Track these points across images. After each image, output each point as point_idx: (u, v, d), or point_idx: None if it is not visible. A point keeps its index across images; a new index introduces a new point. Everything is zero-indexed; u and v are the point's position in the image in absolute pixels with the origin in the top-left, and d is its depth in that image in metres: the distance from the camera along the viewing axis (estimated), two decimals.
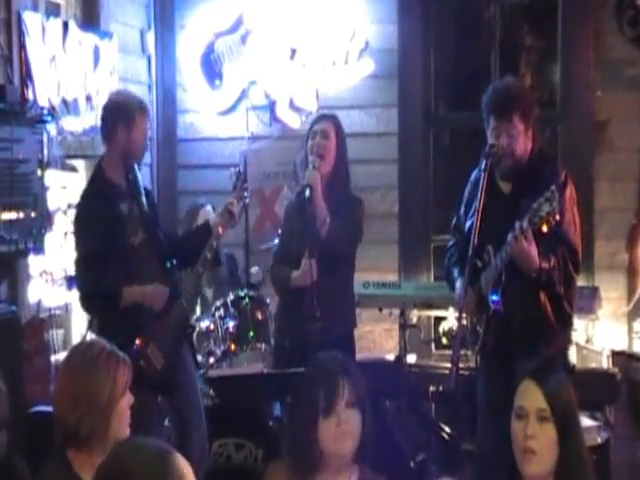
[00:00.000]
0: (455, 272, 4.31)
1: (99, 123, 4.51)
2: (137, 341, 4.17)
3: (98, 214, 4.23)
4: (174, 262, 4.50)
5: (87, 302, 4.31)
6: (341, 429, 2.74)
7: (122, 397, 2.86)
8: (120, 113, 4.33)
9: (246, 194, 4.59)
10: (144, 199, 4.42)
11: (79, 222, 4.35)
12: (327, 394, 2.76)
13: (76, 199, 5.33)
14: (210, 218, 4.74)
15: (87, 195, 4.39)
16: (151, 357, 4.20)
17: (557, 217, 3.75)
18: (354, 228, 4.67)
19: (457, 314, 4.27)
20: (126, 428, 2.89)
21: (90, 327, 4.59)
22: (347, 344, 4.52)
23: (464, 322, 4.14)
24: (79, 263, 4.28)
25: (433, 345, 6.21)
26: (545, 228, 3.76)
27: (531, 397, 2.60)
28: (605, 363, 5.48)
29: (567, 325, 4.20)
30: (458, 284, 4.20)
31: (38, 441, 3.27)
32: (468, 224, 4.24)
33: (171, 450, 2.11)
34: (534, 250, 3.85)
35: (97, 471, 2.10)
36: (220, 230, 4.44)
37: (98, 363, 2.85)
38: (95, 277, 4.17)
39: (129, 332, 4.13)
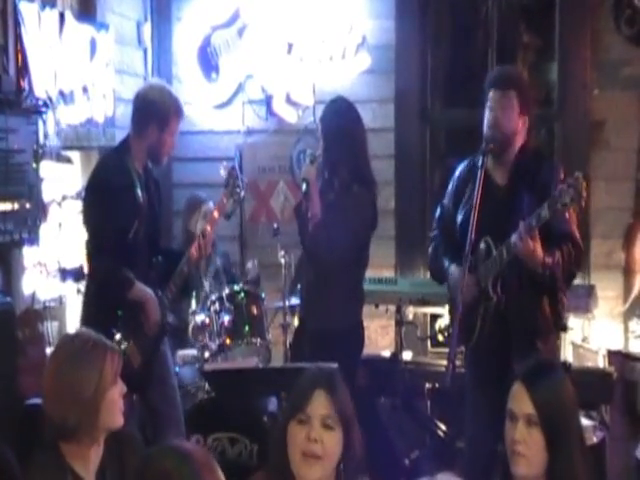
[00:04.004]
0: (446, 261, 4.31)
1: (131, 111, 4.51)
2: (117, 338, 4.16)
3: (122, 192, 4.25)
4: (159, 259, 4.50)
5: (101, 282, 4.32)
6: (311, 445, 2.54)
7: (111, 387, 2.85)
8: (156, 113, 4.36)
9: (238, 190, 4.59)
10: (153, 191, 4.46)
11: (100, 197, 4.30)
12: (302, 398, 2.59)
13: (71, 190, 5.35)
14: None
15: (111, 168, 4.38)
16: (130, 355, 4.18)
17: (583, 204, 3.76)
18: (345, 226, 4.50)
19: (451, 304, 4.27)
20: (118, 418, 2.89)
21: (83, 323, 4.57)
22: (328, 340, 4.43)
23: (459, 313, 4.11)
24: (99, 240, 4.26)
25: (429, 342, 6.19)
26: (567, 215, 3.77)
27: (520, 402, 2.61)
28: (601, 362, 5.47)
29: (559, 323, 4.21)
30: (453, 269, 4.19)
31: (32, 433, 3.24)
32: (460, 217, 4.24)
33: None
34: (539, 248, 3.88)
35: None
36: (194, 253, 4.44)
37: (82, 354, 2.84)
38: (114, 259, 4.20)
39: (110, 328, 4.12)
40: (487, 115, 4.22)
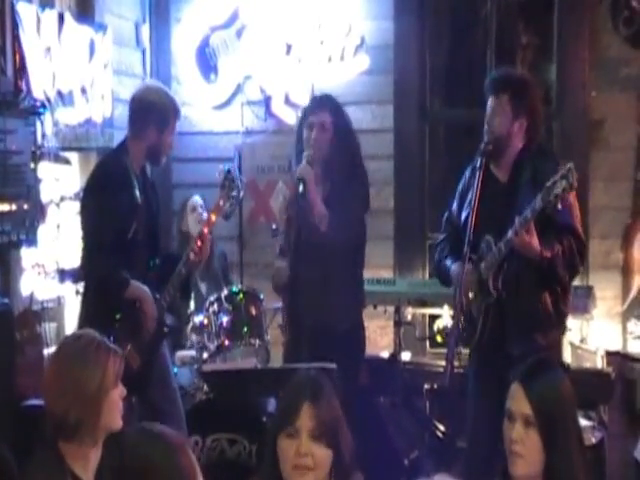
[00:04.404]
0: (448, 262, 4.32)
1: (128, 113, 4.50)
2: (116, 340, 4.15)
3: (121, 193, 4.25)
4: (157, 262, 4.50)
5: (97, 283, 4.32)
6: (301, 459, 2.55)
7: (113, 388, 2.86)
8: (155, 114, 4.37)
9: (234, 193, 4.58)
10: (151, 192, 4.48)
11: (99, 197, 4.31)
12: (289, 412, 2.59)
13: (69, 191, 5.35)
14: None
15: (111, 169, 4.38)
16: (129, 357, 4.18)
17: (574, 193, 3.78)
18: (353, 217, 4.55)
19: (454, 304, 4.26)
20: (118, 419, 2.89)
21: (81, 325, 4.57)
22: (332, 341, 4.46)
23: (460, 317, 4.13)
24: (96, 241, 4.26)
25: (427, 343, 6.19)
26: (560, 206, 3.78)
27: (518, 402, 2.61)
28: (599, 363, 5.46)
29: (562, 319, 4.21)
30: (454, 267, 4.21)
31: (30, 434, 3.24)
32: (463, 215, 4.26)
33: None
34: (535, 240, 3.89)
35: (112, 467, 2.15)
36: (192, 256, 4.43)
37: (87, 353, 2.85)
38: (111, 260, 4.20)
39: (108, 330, 4.11)
40: (486, 119, 4.27)
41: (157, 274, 4.46)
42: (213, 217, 4.55)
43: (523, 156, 4.20)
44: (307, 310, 4.53)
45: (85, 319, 4.37)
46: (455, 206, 4.40)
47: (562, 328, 4.30)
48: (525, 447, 2.57)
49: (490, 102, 4.24)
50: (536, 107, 4.28)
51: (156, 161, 4.52)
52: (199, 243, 4.42)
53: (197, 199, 5.83)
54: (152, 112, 4.37)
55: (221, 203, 4.54)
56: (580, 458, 2.63)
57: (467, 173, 4.38)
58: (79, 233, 4.47)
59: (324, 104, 4.67)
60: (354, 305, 4.66)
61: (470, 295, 4.14)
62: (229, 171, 4.58)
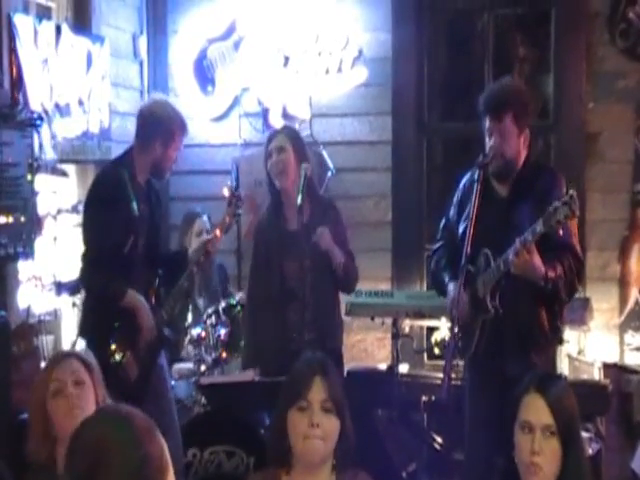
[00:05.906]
0: (446, 276, 4.29)
1: (135, 127, 4.50)
2: (114, 349, 4.16)
3: (117, 206, 4.25)
4: (160, 273, 4.49)
5: (91, 292, 4.39)
6: (313, 430, 2.66)
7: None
8: (161, 129, 4.36)
9: (240, 211, 4.61)
10: (155, 204, 4.49)
11: (94, 211, 4.33)
12: (301, 386, 2.70)
13: (67, 203, 5.35)
14: (191, 249, 4.77)
15: (106, 182, 4.38)
16: (126, 367, 4.18)
17: (576, 221, 3.77)
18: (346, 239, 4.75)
19: (449, 319, 4.27)
20: None
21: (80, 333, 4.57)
22: (338, 358, 4.56)
23: (456, 329, 4.13)
24: (92, 251, 4.27)
25: (425, 355, 6.18)
26: (561, 232, 3.78)
27: (538, 412, 2.60)
28: (596, 375, 5.45)
29: (557, 335, 4.20)
30: (451, 287, 4.18)
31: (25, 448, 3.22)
32: (461, 228, 4.23)
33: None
34: (538, 260, 3.82)
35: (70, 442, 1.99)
36: (194, 271, 4.50)
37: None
38: (108, 271, 4.20)
39: (108, 339, 4.14)
40: (487, 142, 4.12)
41: (160, 288, 4.47)
42: (218, 232, 4.55)
43: (523, 171, 4.13)
44: (299, 327, 4.54)
45: (84, 329, 4.38)
46: (453, 214, 4.37)
47: (556, 344, 4.29)
48: (545, 458, 2.58)
49: (492, 124, 4.07)
50: (530, 120, 4.22)
51: (160, 176, 4.52)
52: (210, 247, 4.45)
53: (205, 221, 5.77)
54: (159, 126, 4.36)
55: (227, 220, 4.55)
56: (589, 466, 2.68)
57: (465, 182, 4.34)
58: (78, 245, 4.47)
59: (280, 131, 4.95)
60: (340, 328, 4.76)
61: (464, 317, 4.12)
62: (237, 188, 4.62)
